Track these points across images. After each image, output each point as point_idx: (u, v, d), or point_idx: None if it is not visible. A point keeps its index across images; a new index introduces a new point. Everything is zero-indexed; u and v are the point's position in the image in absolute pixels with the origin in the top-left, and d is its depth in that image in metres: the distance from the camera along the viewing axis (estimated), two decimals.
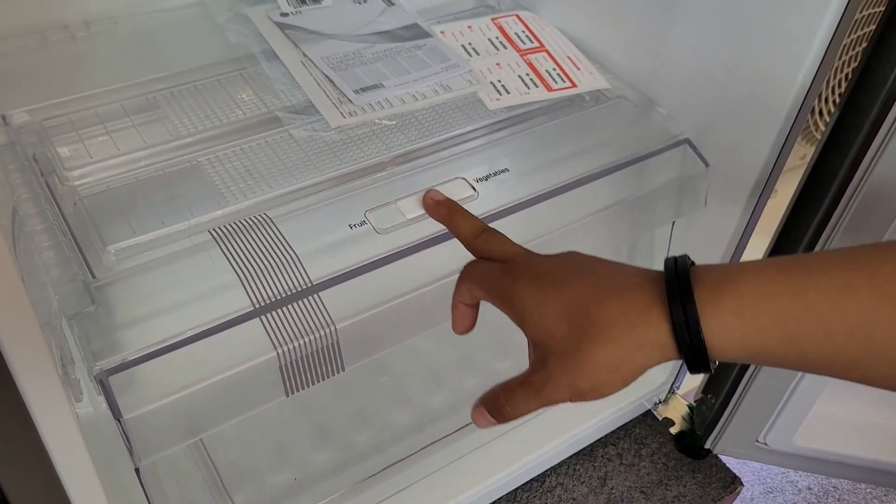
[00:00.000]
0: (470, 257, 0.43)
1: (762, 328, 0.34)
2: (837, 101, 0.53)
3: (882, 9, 0.48)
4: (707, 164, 0.59)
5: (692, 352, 0.35)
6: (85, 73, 0.60)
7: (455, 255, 0.51)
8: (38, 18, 0.63)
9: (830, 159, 0.55)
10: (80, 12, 0.64)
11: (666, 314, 0.36)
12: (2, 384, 0.34)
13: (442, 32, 0.66)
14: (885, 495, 1.23)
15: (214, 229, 0.48)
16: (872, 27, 0.48)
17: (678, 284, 0.36)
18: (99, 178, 0.51)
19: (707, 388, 0.74)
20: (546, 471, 0.73)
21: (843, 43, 0.51)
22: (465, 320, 0.44)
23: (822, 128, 0.78)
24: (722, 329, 0.35)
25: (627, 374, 0.37)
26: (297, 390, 0.46)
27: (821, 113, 0.76)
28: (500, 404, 0.39)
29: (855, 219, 0.55)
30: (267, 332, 0.44)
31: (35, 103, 0.56)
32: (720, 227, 0.63)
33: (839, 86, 0.75)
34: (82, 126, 0.55)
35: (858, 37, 0.52)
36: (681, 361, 0.36)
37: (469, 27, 0.67)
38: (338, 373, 0.47)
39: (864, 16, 0.52)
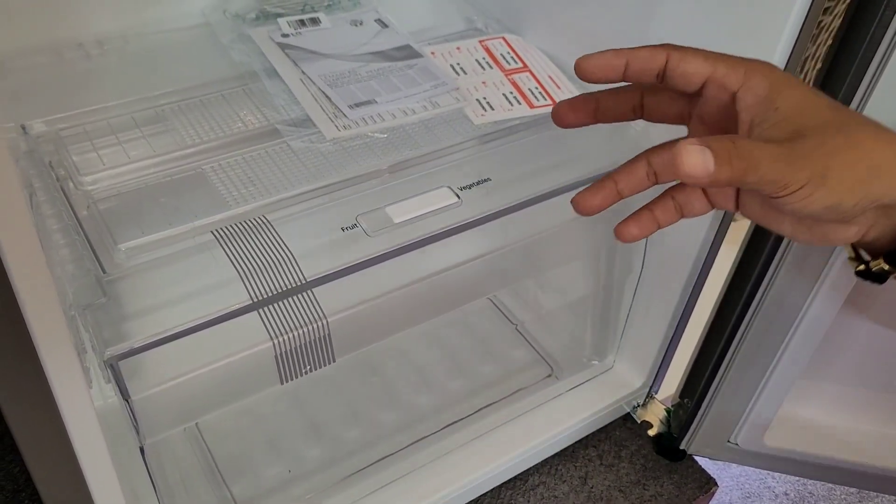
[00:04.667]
0: None
1: None
2: None
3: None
4: None
5: None
6: (98, 87, 0.64)
7: (436, 257, 0.55)
8: (54, 37, 0.67)
9: None
10: (93, 32, 0.68)
11: None
12: (26, 366, 0.37)
13: (432, 53, 0.70)
14: (860, 502, 1.26)
15: (217, 230, 0.51)
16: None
17: None
18: (111, 183, 0.55)
19: (683, 393, 0.78)
20: (529, 469, 0.77)
21: (802, 64, 0.54)
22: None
23: None
24: None
25: (864, 190, 0.34)
26: (292, 378, 0.50)
27: None
28: (733, 151, 0.33)
29: None
30: (264, 323, 0.48)
31: (52, 114, 0.59)
32: (691, 236, 0.66)
33: None
34: (96, 136, 0.59)
35: (819, 55, 0.56)
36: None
37: (458, 48, 0.72)
38: (329, 363, 0.51)
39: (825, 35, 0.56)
